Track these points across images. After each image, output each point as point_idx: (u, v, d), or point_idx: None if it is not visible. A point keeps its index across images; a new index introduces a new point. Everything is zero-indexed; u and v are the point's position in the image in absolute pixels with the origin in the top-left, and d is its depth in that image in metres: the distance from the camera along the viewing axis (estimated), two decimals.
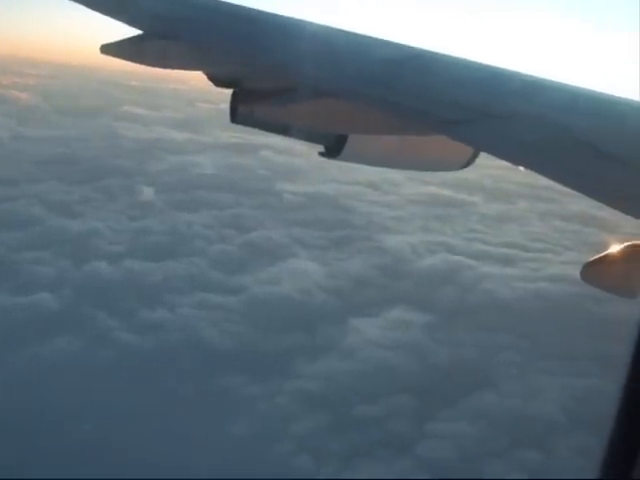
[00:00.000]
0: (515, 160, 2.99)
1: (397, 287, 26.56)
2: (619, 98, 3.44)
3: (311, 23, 4.42)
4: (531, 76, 3.70)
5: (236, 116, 3.54)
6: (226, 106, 3.53)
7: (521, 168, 2.89)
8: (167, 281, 25.38)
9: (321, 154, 3.75)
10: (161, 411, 17.74)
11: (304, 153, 45.23)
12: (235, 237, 31.20)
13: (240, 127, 3.66)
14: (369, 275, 27.42)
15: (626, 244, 3.06)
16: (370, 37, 4.18)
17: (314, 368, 20.51)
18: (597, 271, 3.14)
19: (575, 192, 2.46)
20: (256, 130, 3.74)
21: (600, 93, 3.55)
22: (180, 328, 22.10)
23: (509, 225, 38.66)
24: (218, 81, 3.82)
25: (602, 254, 3.07)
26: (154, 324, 22.03)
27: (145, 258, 27.11)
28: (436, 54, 3.87)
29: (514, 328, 23.48)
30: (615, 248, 3.07)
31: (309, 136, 3.77)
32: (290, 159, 49.38)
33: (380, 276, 27.45)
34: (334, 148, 3.67)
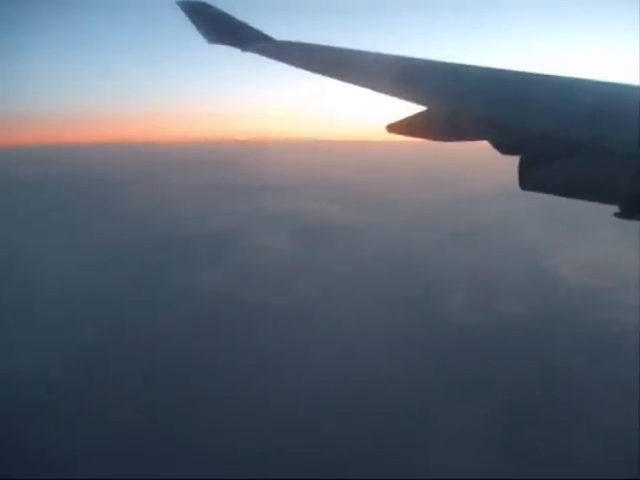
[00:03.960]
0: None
1: None
2: None
3: (588, 83, 4.28)
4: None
5: (526, 182, 3.47)
6: None
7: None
8: None
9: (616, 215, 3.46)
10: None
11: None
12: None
13: None
14: None
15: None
16: None
17: None
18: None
19: None
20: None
21: None
22: None
23: None
24: (504, 149, 3.77)
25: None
26: None
27: None
28: None
29: None
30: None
31: (600, 196, 3.50)
32: None
33: None
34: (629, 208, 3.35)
